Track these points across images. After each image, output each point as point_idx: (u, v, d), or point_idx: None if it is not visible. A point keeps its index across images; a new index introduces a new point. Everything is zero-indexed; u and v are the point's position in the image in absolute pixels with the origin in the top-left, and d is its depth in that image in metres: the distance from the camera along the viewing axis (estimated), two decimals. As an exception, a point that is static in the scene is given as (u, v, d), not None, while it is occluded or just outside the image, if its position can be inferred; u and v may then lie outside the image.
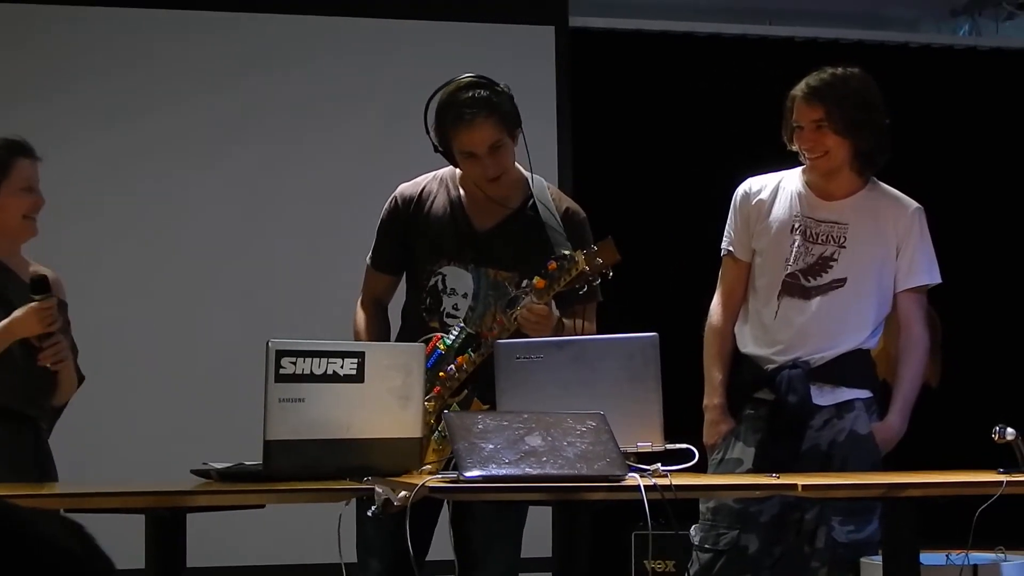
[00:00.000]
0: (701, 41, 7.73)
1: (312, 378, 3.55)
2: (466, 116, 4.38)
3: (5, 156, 4.39)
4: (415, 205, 4.57)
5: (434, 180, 4.61)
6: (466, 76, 4.45)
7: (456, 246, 4.50)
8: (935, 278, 4.73)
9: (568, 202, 4.64)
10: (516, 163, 4.55)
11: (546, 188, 4.59)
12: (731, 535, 4.59)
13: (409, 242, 4.58)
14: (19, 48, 6.83)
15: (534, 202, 4.51)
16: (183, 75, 6.97)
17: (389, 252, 4.63)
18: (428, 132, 4.45)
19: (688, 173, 7.37)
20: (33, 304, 4.24)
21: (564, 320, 4.39)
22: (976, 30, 8.15)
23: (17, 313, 4.23)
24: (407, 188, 4.63)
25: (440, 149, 4.48)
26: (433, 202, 4.55)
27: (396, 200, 4.61)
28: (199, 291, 6.84)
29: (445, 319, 4.46)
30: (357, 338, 4.58)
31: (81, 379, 4.54)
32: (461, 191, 4.56)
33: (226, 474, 3.61)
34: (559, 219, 4.49)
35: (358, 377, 3.62)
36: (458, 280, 4.49)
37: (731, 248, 4.78)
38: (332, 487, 3.53)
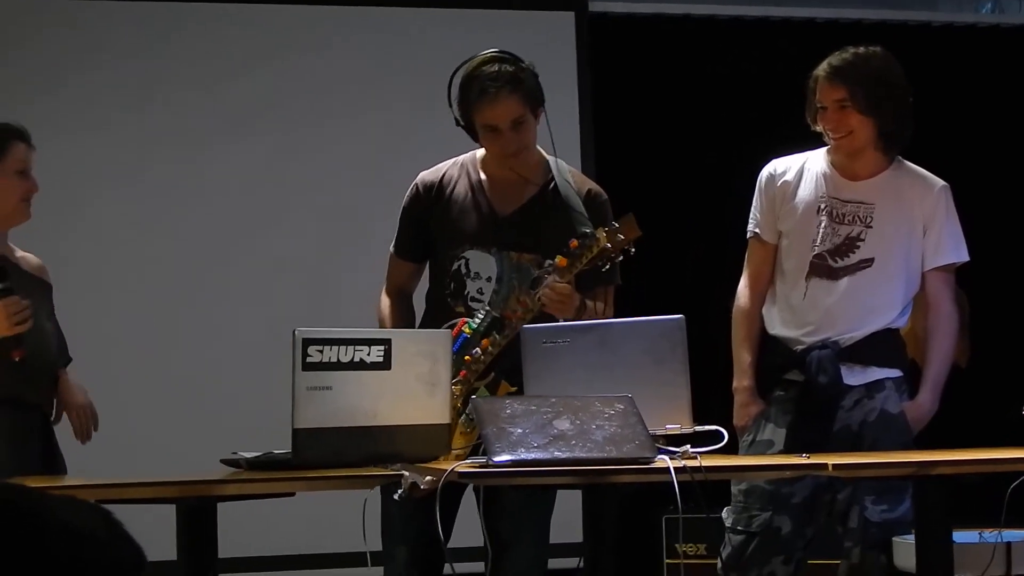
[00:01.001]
0: (722, 24, 7.70)
1: (339, 366, 3.54)
2: (490, 90, 4.38)
3: (1, 138, 4.34)
4: (436, 191, 4.57)
5: (455, 166, 4.61)
6: (491, 51, 4.45)
7: (478, 230, 4.50)
8: (963, 256, 4.72)
9: (590, 184, 4.64)
10: (538, 146, 4.55)
11: (567, 171, 4.59)
12: (763, 517, 4.58)
13: (431, 228, 4.58)
14: (29, 40, 6.82)
15: (555, 184, 4.51)
16: (198, 64, 6.97)
17: (411, 239, 4.63)
18: (451, 105, 4.45)
19: (711, 156, 7.36)
20: (1, 302, 4.16)
21: (586, 301, 4.38)
22: (999, 8, 8.11)
23: None
24: (428, 175, 4.63)
25: (462, 123, 4.48)
26: (454, 187, 4.56)
27: (417, 187, 4.62)
28: (224, 281, 6.85)
29: (469, 303, 4.46)
30: (381, 327, 4.58)
31: (68, 361, 4.53)
32: (482, 175, 4.56)
33: (255, 463, 3.61)
34: (581, 201, 4.49)
35: (385, 364, 3.62)
36: (481, 264, 4.49)
37: (757, 230, 4.77)
38: (361, 474, 3.53)
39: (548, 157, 4.58)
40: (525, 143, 4.46)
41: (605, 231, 4.24)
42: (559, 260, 4.25)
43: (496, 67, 4.41)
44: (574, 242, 4.25)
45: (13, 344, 4.17)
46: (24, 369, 4.18)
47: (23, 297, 4.21)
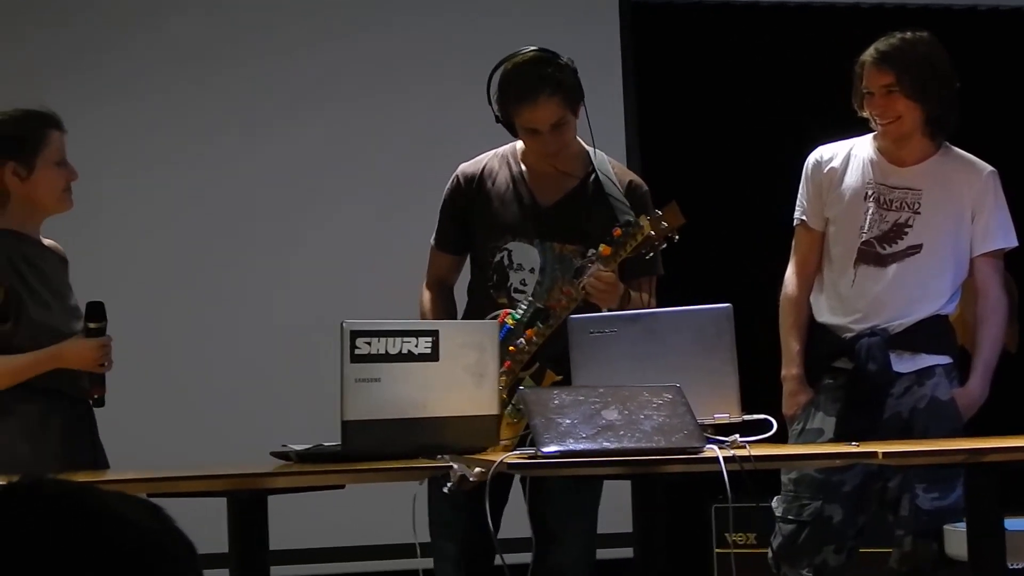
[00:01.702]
0: (765, 10, 7.67)
1: (387, 358, 3.55)
2: (530, 94, 4.37)
3: (38, 127, 4.24)
4: (477, 183, 4.56)
5: (495, 158, 4.61)
6: (530, 50, 4.43)
7: (520, 222, 4.50)
8: (1011, 242, 4.70)
9: (631, 175, 4.64)
10: (578, 137, 4.54)
11: (607, 161, 4.59)
12: (814, 506, 4.57)
13: (471, 221, 4.58)
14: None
15: (596, 175, 4.50)
16: (240, 45, 6.93)
17: (452, 232, 4.63)
18: (491, 103, 4.45)
19: (756, 143, 7.33)
20: (94, 341, 4.11)
21: (630, 291, 4.37)
22: (1045, -10, 8.05)
23: (75, 345, 4.10)
24: (468, 167, 4.63)
25: (501, 121, 4.47)
26: (495, 180, 4.55)
27: (458, 179, 4.61)
28: (275, 273, 6.84)
29: (513, 294, 4.46)
30: (424, 318, 4.58)
31: None
32: (523, 166, 4.56)
33: (305, 455, 3.62)
34: (622, 191, 4.48)
35: (433, 356, 3.63)
36: (524, 255, 4.49)
37: (804, 217, 4.76)
38: (410, 466, 3.54)
39: (587, 148, 4.57)
40: (565, 142, 4.46)
41: (648, 219, 4.23)
42: (603, 249, 4.24)
43: (536, 68, 4.39)
44: (617, 230, 4.24)
45: (95, 381, 4.15)
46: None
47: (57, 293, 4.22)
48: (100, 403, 4.18)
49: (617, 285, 4.28)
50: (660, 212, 4.24)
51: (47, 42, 6.74)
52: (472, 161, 4.64)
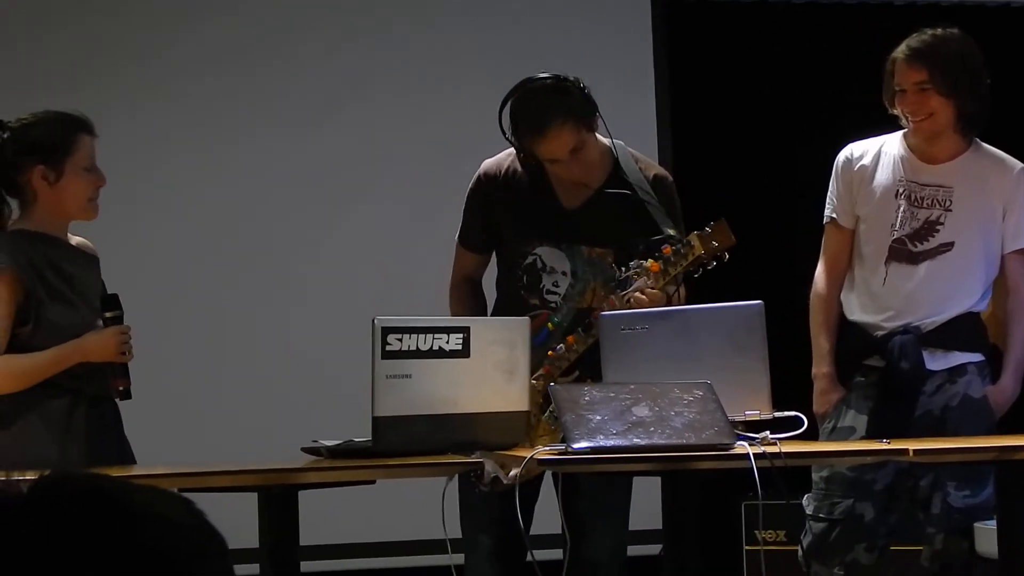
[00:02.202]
0: (798, 8, 7.66)
1: (418, 354, 3.56)
2: (541, 128, 4.30)
3: (68, 132, 4.18)
4: (501, 182, 4.52)
5: (518, 159, 4.54)
6: (535, 80, 4.35)
7: (547, 226, 4.45)
8: (1043, 239, 4.68)
9: (656, 167, 4.61)
10: (597, 134, 4.48)
11: (630, 155, 4.54)
12: (846, 504, 4.56)
13: (497, 220, 4.54)
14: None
15: (621, 173, 4.46)
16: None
17: (476, 230, 4.59)
18: (505, 135, 4.38)
19: (789, 141, 7.32)
20: (112, 329, 4.09)
21: (671, 296, 4.32)
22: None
23: (95, 337, 4.08)
24: (491, 164, 4.58)
25: (522, 152, 4.43)
26: (519, 180, 4.51)
27: (480, 177, 4.57)
28: (307, 269, 6.86)
29: (545, 296, 4.44)
30: (454, 315, 4.56)
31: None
32: (545, 167, 4.50)
33: (336, 451, 3.63)
34: (649, 185, 4.45)
35: (464, 352, 3.63)
36: (555, 259, 4.45)
37: (834, 215, 4.74)
38: (441, 461, 3.55)
39: (607, 142, 4.49)
40: (588, 160, 4.40)
41: (699, 236, 4.17)
42: (651, 264, 4.18)
43: (543, 100, 4.31)
44: (668, 248, 4.17)
45: (119, 373, 4.13)
46: (105, 365, 4.14)
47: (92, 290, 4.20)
48: (127, 395, 4.15)
49: (663, 303, 4.22)
50: (710, 229, 4.19)
51: (79, 45, 6.77)
52: (495, 159, 4.58)
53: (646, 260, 4.21)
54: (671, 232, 4.27)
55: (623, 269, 4.29)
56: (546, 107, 4.30)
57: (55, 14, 6.77)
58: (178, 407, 6.42)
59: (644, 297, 4.17)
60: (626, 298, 4.20)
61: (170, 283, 6.63)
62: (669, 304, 4.25)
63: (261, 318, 6.80)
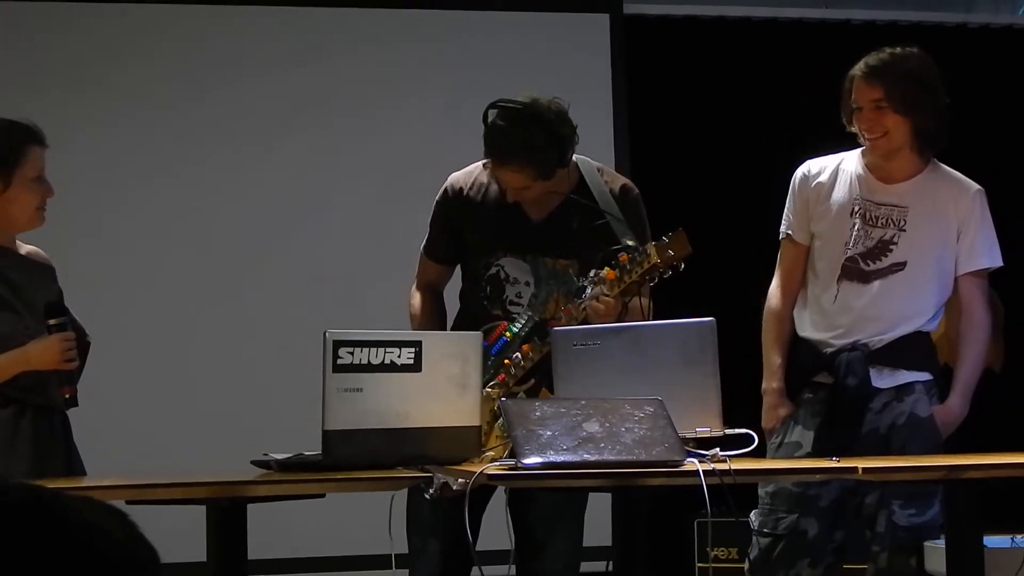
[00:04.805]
0: (757, 26, 7.69)
1: (370, 368, 3.55)
2: (501, 160, 4.37)
3: (17, 141, 4.13)
4: (467, 196, 4.54)
5: (485, 171, 4.57)
6: (516, 102, 4.36)
7: (512, 238, 4.48)
8: (996, 261, 4.68)
9: (622, 180, 4.61)
10: None
11: (595, 169, 4.55)
12: (790, 519, 4.57)
13: (462, 233, 4.56)
14: (60, 41, 6.84)
15: (586, 186, 4.48)
16: (232, 66, 6.99)
17: (442, 242, 4.62)
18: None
19: (746, 157, 7.35)
20: (55, 337, 4.04)
21: (627, 303, 4.33)
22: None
23: (38, 345, 4.04)
24: (458, 177, 4.60)
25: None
26: (485, 194, 4.53)
27: (447, 190, 4.59)
28: (255, 282, 6.86)
29: (508, 307, 4.45)
30: (414, 322, 4.58)
31: (87, 345, 4.29)
32: None
33: (286, 464, 3.62)
34: (615, 198, 4.46)
35: (415, 366, 3.62)
36: (518, 270, 4.47)
37: (790, 231, 4.75)
38: (392, 475, 3.53)
39: (574, 158, 4.51)
40: (546, 188, 4.43)
41: (655, 246, 4.17)
42: (607, 272, 4.20)
43: (512, 134, 4.32)
44: (624, 256, 4.18)
45: (65, 380, 4.08)
46: (52, 373, 4.11)
47: (42, 297, 4.16)
48: (73, 403, 4.11)
49: (617, 310, 4.24)
50: (667, 239, 4.19)
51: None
52: (463, 172, 4.61)
53: (603, 269, 4.21)
54: (630, 243, 4.27)
55: (583, 279, 4.30)
56: (508, 143, 4.33)
57: (21, 28, 6.79)
58: (129, 418, 6.40)
59: (600, 305, 4.18)
60: (582, 306, 4.22)
61: (122, 296, 6.61)
62: (627, 312, 4.26)
63: (212, 331, 6.79)
